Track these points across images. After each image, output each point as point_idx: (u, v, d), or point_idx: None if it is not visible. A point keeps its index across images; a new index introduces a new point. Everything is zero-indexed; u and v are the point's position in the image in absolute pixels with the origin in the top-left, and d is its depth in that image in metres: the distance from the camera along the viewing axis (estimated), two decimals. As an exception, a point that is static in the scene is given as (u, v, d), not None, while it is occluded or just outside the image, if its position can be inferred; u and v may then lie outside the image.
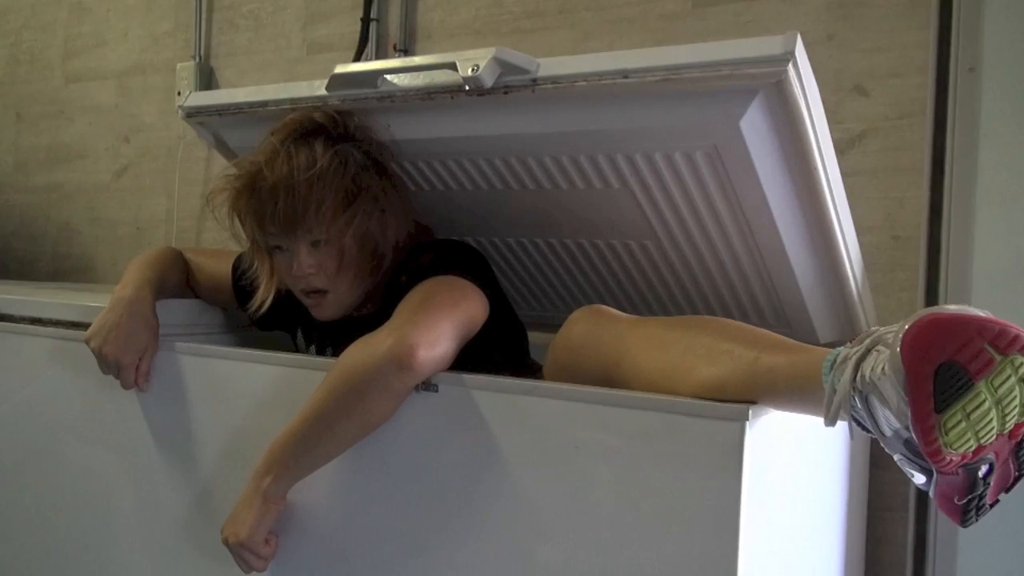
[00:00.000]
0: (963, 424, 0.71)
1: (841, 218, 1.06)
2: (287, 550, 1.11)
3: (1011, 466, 0.75)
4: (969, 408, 0.70)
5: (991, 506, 0.77)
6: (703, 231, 1.12)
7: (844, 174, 1.43)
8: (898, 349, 0.71)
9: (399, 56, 1.85)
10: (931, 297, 1.38)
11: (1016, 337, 0.70)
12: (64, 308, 1.36)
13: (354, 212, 1.10)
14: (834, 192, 1.02)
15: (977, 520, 0.77)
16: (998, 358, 0.70)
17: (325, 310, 1.15)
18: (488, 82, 1.01)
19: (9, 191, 2.55)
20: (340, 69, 1.12)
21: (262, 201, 1.08)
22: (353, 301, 1.16)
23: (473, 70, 1.00)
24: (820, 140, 0.97)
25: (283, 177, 1.07)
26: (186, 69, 2.13)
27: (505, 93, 1.02)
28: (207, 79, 2.14)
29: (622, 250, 1.23)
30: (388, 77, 1.11)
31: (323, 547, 1.09)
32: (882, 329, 0.77)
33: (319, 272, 1.11)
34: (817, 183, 1.00)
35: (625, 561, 0.90)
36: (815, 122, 0.95)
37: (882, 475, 1.38)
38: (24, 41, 2.52)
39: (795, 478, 1.02)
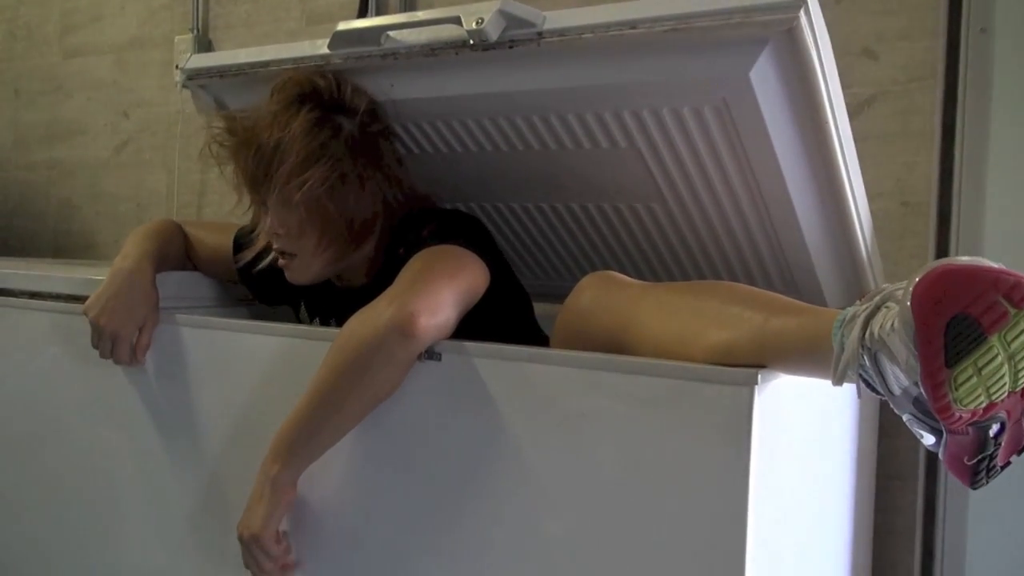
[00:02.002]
0: (974, 379, 0.69)
1: (852, 176, 1.04)
2: (297, 528, 1.10)
3: (1023, 426, 0.74)
4: (981, 363, 0.69)
5: (1002, 468, 0.76)
6: (711, 191, 1.10)
7: (853, 139, 1.42)
8: (908, 302, 0.69)
9: (399, 26, 1.82)
10: (941, 263, 1.36)
11: None
12: (63, 282, 1.35)
13: (309, 176, 1.08)
14: (845, 148, 1.00)
15: (988, 482, 0.76)
16: (1012, 311, 0.68)
17: (294, 273, 1.15)
18: (493, 35, 0.99)
19: (9, 168, 2.54)
20: (343, 26, 1.10)
21: (241, 156, 1.11)
22: (323, 268, 1.15)
23: (477, 23, 0.98)
24: (831, 92, 0.95)
25: (259, 135, 1.08)
26: (184, 42, 2.11)
27: (510, 47, 1.00)
28: (205, 52, 2.11)
29: (628, 214, 1.21)
30: (391, 33, 1.09)
31: (330, 521, 1.08)
32: (892, 285, 0.75)
33: (285, 234, 1.11)
34: (828, 137, 0.97)
35: (634, 529, 0.89)
36: (826, 73, 0.93)
37: (891, 443, 1.37)
38: (21, 16, 2.49)
39: (804, 444, 1.01)
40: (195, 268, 1.33)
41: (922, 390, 0.70)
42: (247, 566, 1.03)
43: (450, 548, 1.00)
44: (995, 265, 0.70)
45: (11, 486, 1.43)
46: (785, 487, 0.93)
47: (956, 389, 0.69)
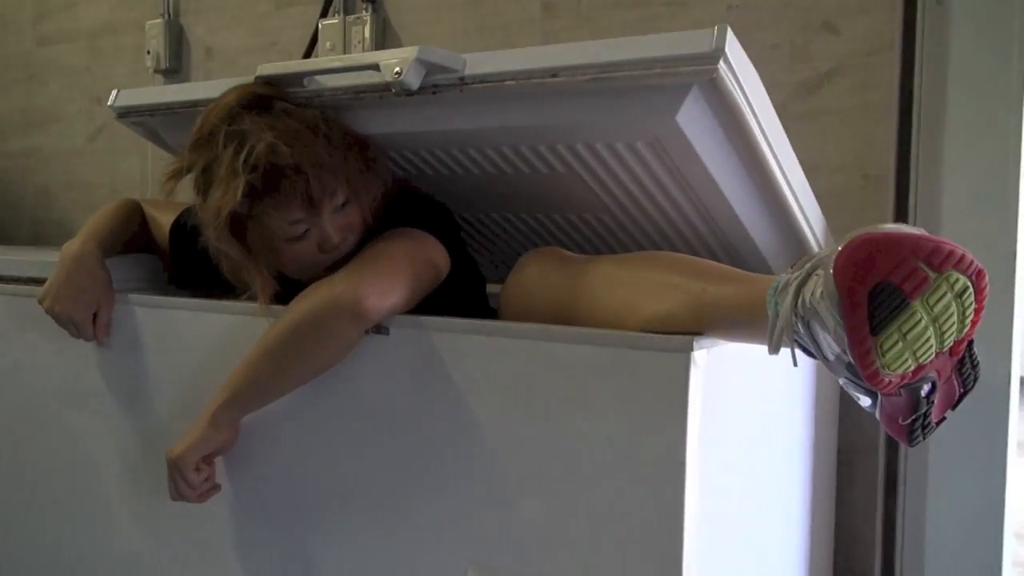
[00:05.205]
0: (900, 345, 0.70)
1: (794, 187, 1.04)
2: (243, 496, 1.11)
3: (955, 383, 0.75)
4: (905, 328, 0.70)
5: (938, 424, 0.77)
6: (656, 206, 1.10)
7: (812, 113, 1.42)
8: (831, 271, 0.70)
9: (367, 7, 1.82)
10: (900, 236, 1.36)
11: (950, 253, 0.69)
12: (23, 264, 1.35)
13: (369, 160, 1.07)
14: (784, 165, 1.01)
15: (924, 439, 0.77)
16: (933, 275, 0.69)
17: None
18: (414, 84, 0.98)
19: (-15, 157, 2.54)
20: (262, 70, 1.08)
21: (284, 189, 0.98)
22: None
23: (396, 75, 0.97)
24: (763, 123, 0.95)
25: (303, 151, 0.98)
26: (155, 27, 2.10)
27: (434, 93, 1.00)
28: (177, 37, 2.11)
29: (579, 222, 1.22)
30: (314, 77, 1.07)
31: (278, 491, 1.10)
32: (822, 253, 0.76)
33: (348, 234, 1.06)
34: (764, 164, 0.98)
35: (576, 496, 0.90)
36: (755, 109, 0.93)
37: (853, 415, 1.37)
38: (-6, 4, 2.49)
39: (751, 412, 1.02)
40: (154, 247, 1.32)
41: (850, 358, 0.71)
42: (169, 488, 1.06)
43: (395, 517, 1.01)
44: (915, 231, 0.71)
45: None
46: (729, 455, 0.94)
47: (883, 355, 0.70)
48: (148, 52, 2.11)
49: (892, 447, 1.39)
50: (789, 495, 1.17)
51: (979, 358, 0.74)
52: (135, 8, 2.19)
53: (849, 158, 1.41)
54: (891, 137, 1.37)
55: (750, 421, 1.01)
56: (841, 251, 0.70)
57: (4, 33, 2.47)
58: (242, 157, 0.97)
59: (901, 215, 1.37)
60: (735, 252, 1.15)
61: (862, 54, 1.39)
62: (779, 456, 1.13)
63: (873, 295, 0.69)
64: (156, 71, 2.12)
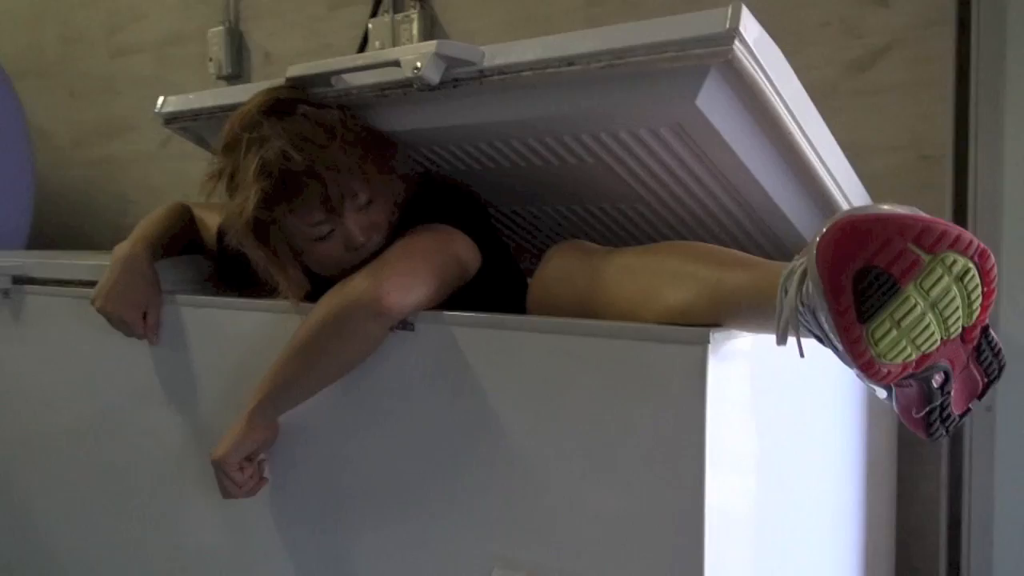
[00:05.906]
0: (894, 333, 0.66)
1: (830, 165, 1.00)
2: (273, 492, 1.13)
3: (975, 372, 0.70)
4: (898, 315, 0.65)
5: (961, 416, 0.72)
6: (689, 193, 1.07)
7: (866, 92, 1.36)
8: (814, 256, 0.66)
9: (415, 5, 1.83)
10: (959, 218, 1.30)
11: (944, 233, 0.65)
12: (85, 268, 1.41)
13: (392, 158, 1.08)
14: (816, 145, 0.96)
15: (947, 433, 0.72)
16: (926, 258, 0.65)
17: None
18: (434, 78, 0.98)
19: (69, 166, 2.65)
20: (292, 71, 1.09)
21: (301, 194, 0.99)
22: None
23: (415, 70, 0.97)
24: (789, 102, 0.91)
25: (317, 155, 0.99)
26: (216, 35, 2.16)
27: (455, 87, 0.99)
28: (237, 44, 2.16)
29: (615, 213, 1.19)
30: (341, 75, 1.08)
31: (306, 486, 1.11)
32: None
33: (373, 233, 1.07)
34: (794, 142, 0.94)
35: (600, 492, 0.88)
36: (779, 89, 0.89)
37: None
38: (72, 20, 2.60)
39: (789, 406, 0.98)
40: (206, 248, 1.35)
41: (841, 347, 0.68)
42: (219, 488, 1.09)
43: (421, 512, 1.01)
44: (906, 210, 0.66)
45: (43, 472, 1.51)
46: (756, 449, 0.91)
47: (876, 344, 0.66)
48: (211, 59, 2.17)
49: (956, 442, 1.32)
50: (837, 490, 1.12)
51: (1000, 345, 0.70)
52: (198, 17, 2.26)
53: (905, 136, 1.34)
54: (948, 114, 1.30)
55: (784, 414, 0.98)
56: (822, 235, 0.67)
57: (81, 48, 2.58)
58: (254, 165, 0.98)
59: (960, 194, 1.30)
60: (774, 236, 1.11)
61: (916, 28, 1.32)
62: (822, 451, 1.08)
63: (858, 281, 0.65)
64: (219, 77, 2.18)
